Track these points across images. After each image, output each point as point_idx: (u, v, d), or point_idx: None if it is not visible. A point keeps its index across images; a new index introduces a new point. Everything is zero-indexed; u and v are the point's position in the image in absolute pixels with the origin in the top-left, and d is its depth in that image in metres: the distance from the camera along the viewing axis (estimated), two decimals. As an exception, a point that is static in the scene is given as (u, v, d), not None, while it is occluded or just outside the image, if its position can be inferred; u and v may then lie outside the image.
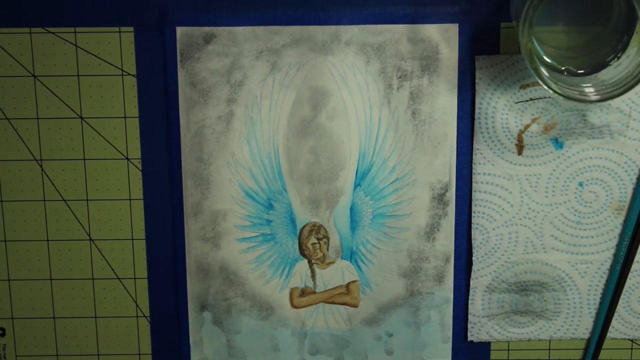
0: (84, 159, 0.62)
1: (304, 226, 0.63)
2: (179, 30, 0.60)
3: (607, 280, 0.63)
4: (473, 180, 0.62)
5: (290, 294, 0.64)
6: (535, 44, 0.53)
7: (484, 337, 0.65)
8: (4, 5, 0.60)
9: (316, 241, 0.63)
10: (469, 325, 0.64)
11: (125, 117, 0.61)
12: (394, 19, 0.60)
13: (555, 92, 0.51)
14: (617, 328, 0.64)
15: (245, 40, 0.60)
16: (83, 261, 0.64)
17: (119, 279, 0.64)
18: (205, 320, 0.64)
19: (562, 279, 0.63)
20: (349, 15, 0.60)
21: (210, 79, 0.60)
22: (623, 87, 0.51)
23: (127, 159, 0.62)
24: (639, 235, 0.62)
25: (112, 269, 0.64)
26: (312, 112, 0.61)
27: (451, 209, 0.62)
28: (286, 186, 0.62)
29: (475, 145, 0.61)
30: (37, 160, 0.62)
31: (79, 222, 0.63)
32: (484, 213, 0.62)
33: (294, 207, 0.62)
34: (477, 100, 0.60)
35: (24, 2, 0.60)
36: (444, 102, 0.61)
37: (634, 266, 0.63)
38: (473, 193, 0.62)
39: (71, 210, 0.63)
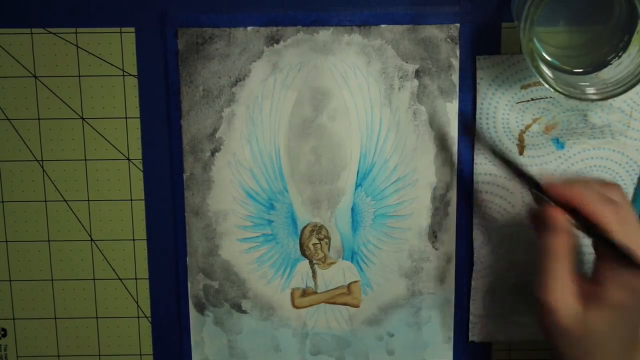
0: (85, 160, 0.62)
1: (305, 226, 0.63)
2: (180, 30, 0.60)
3: (608, 281, 0.63)
4: (474, 180, 0.62)
5: (292, 294, 0.64)
6: (537, 43, 0.53)
7: (485, 338, 0.64)
8: (5, 6, 0.60)
9: (317, 241, 0.63)
10: (470, 326, 0.64)
11: (126, 118, 0.61)
12: (395, 19, 0.60)
13: (556, 90, 0.52)
14: (619, 328, 0.64)
15: (246, 40, 0.60)
16: (84, 262, 0.64)
17: (120, 279, 0.64)
18: (207, 321, 0.64)
19: (563, 279, 0.63)
20: (350, 15, 0.60)
21: (211, 79, 0.61)
22: (624, 86, 0.51)
23: (128, 159, 0.62)
24: None
25: (113, 270, 0.64)
26: (313, 112, 0.61)
27: (452, 209, 0.62)
28: (287, 186, 0.62)
29: (476, 146, 0.61)
30: (38, 161, 0.62)
31: (80, 222, 0.63)
32: (485, 213, 0.62)
33: (295, 207, 0.63)
34: (478, 101, 0.60)
35: (24, 2, 0.60)
36: (445, 102, 0.61)
37: (635, 266, 0.63)
38: (474, 193, 0.62)
39: (72, 211, 0.63)
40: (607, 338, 0.49)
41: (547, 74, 0.52)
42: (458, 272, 0.63)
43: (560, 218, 0.51)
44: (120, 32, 0.60)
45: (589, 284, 0.51)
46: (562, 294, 0.50)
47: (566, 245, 0.51)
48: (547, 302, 0.50)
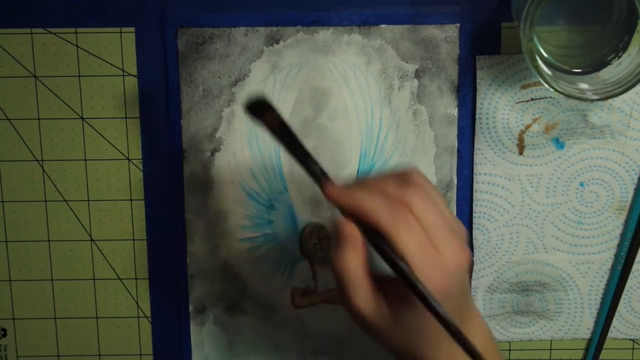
0: (85, 160, 0.62)
1: (305, 226, 0.63)
2: (180, 30, 0.60)
3: (608, 280, 0.63)
4: (474, 180, 0.62)
5: (292, 294, 0.64)
6: (537, 42, 0.53)
7: (485, 338, 0.65)
8: (5, 6, 0.60)
9: (317, 241, 0.63)
10: (470, 326, 0.64)
11: (126, 118, 0.61)
12: (395, 19, 0.60)
13: (556, 90, 0.52)
14: (618, 328, 0.64)
15: (245, 40, 0.60)
16: (84, 261, 0.64)
17: (120, 279, 0.64)
18: (206, 321, 0.64)
19: (563, 279, 0.63)
20: (350, 15, 0.60)
21: (211, 79, 0.61)
22: (624, 86, 0.51)
23: (128, 159, 0.62)
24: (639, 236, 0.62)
25: (113, 270, 0.64)
26: (313, 112, 0.61)
27: (452, 209, 0.62)
28: (287, 186, 0.62)
29: (476, 146, 0.61)
30: (38, 161, 0.62)
31: (80, 222, 0.63)
32: (485, 213, 0.62)
33: (295, 207, 0.63)
34: (478, 101, 0.60)
35: (24, 2, 0.60)
36: (445, 102, 0.61)
37: (635, 266, 0.63)
38: (474, 193, 0.62)
39: (72, 211, 0.63)
40: (427, 325, 0.45)
41: (547, 74, 0.52)
42: (458, 272, 0.63)
43: (347, 231, 0.45)
44: (120, 32, 0.60)
45: (391, 282, 0.46)
46: (365, 302, 0.45)
47: (358, 260, 0.45)
48: (354, 312, 0.46)
